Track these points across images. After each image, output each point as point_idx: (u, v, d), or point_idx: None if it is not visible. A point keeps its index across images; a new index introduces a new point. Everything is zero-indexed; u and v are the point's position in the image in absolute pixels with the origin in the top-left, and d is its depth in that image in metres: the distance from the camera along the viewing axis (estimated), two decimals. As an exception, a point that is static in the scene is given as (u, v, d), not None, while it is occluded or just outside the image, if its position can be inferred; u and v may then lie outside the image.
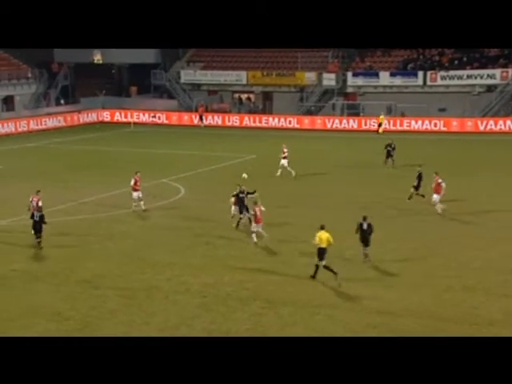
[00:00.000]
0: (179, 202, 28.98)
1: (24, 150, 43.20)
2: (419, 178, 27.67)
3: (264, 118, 54.16)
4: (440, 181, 26.01)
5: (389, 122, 50.37)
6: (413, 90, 52.73)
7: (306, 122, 52.85)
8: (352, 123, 51.62)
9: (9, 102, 54.02)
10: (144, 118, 55.77)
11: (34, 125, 51.23)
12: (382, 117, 49.86)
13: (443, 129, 49.82)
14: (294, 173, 33.23)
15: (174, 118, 55.66)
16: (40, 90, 55.92)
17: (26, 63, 56.12)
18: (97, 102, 57.72)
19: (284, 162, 33.67)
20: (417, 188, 27.60)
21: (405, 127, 50.68)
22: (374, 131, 49.33)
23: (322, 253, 19.35)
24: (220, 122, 54.44)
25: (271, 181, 33.08)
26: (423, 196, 27.48)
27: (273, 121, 53.72)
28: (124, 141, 47.40)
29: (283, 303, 17.93)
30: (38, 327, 16.29)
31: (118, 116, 56.43)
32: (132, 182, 26.77)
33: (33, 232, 22.55)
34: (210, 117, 54.83)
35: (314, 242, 19.41)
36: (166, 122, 55.35)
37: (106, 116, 56.61)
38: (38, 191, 23.47)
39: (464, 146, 44.21)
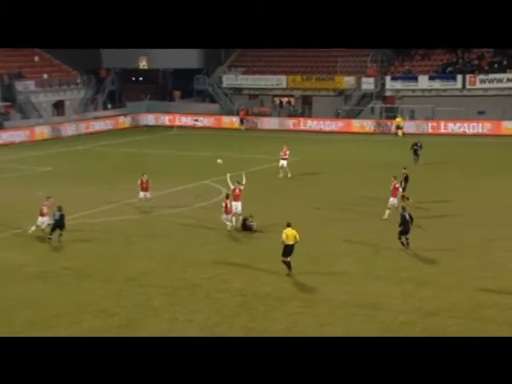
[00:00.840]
0: (220, 202, 29.13)
1: (72, 152, 44.03)
2: (405, 179, 27.61)
3: (303, 121, 54.13)
4: (397, 185, 25.88)
5: (426, 125, 49.82)
6: (451, 93, 52.01)
7: (344, 124, 52.62)
8: (391, 126, 51.19)
9: (59, 106, 55.13)
10: (187, 121, 56.27)
11: (82, 128, 52.16)
12: (399, 119, 49.65)
13: (481, 132, 49.04)
14: (290, 174, 34.20)
15: (216, 121, 56.00)
16: (88, 95, 56.90)
17: (75, 69, 57.18)
18: (142, 106, 58.46)
19: (283, 162, 34.43)
20: (403, 189, 27.44)
21: (442, 130, 50.07)
22: (394, 134, 49.10)
23: (288, 250, 19.69)
24: (260, 125, 54.57)
25: (308, 183, 33.08)
26: (408, 198, 27.18)
27: (312, 124, 53.67)
28: (167, 144, 47.90)
29: (320, 303, 17.92)
30: (85, 323, 16.62)
31: (162, 119, 57.04)
32: (138, 182, 27.54)
33: (54, 230, 23.09)
34: (250, 120, 55.01)
35: (282, 240, 19.71)
36: (207, 125, 55.73)
37: (150, 120, 57.29)
38: (49, 197, 23.85)
39: (501, 149, 43.48)
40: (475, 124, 49.52)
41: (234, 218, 24.37)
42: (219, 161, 27.92)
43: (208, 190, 32.02)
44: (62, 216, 23.09)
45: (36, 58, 56.42)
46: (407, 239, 21.92)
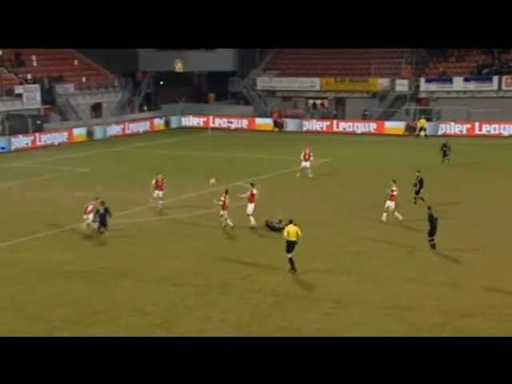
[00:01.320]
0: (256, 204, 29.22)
1: (109, 154, 44.63)
2: (420, 182, 27.41)
3: (337, 122, 53.96)
4: (394, 189, 25.66)
5: (461, 127, 49.21)
6: (487, 94, 51.30)
7: (378, 126, 52.30)
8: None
9: (97, 108, 55.93)
10: (221, 123, 56.56)
11: (118, 130, 52.83)
12: (422, 121, 49.21)
13: (517, 133, 48.32)
14: (311, 175, 34.82)
15: (250, 123, 56.18)
16: (125, 98, 57.60)
17: (113, 72, 57.96)
18: (177, 109, 58.95)
19: (306, 163, 35.00)
20: (418, 192, 27.34)
21: (477, 131, 49.43)
22: (417, 136, 48.64)
23: (290, 246, 20.04)
24: (293, 127, 54.58)
25: (338, 184, 32.98)
26: (422, 199, 26.99)
27: (345, 125, 53.48)
28: (202, 145, 48.21)
29: (353, 303, 17.89)
30: (121, 321, 16.87)
31: (197, 121, 57.44)
32: (153, 182, 27.99)
33: (99, 226, 24.11)
34: (284, 122, 55.03)
35: (283, 236, 20.21)
36: (241, 127, 55.94)
37: (185, 122, 57.74)
38: (97, 198, 24.30)
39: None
40: (511, 125, 48.75)
41: (251, 218, 25.00)
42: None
43: (241, 191, 32.12)
44: (106, 210, 24.07)
45: (75, 62, 57.34)
46: (432, 240, 21.81)
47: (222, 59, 61.13)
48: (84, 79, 55.41)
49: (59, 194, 30.74)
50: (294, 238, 20.08)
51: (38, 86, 50.69)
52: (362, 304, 17.82)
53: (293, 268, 20.21)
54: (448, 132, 49.34)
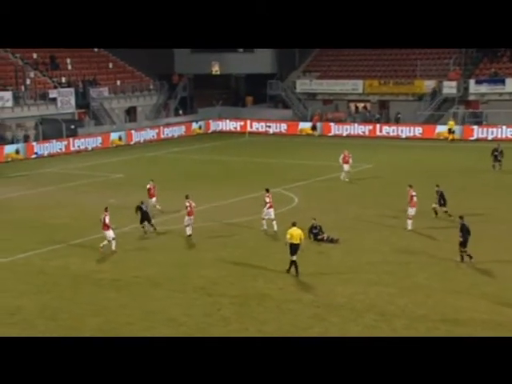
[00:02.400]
0: (292, 211, 29.12)
1: (144, 159, 45.02)
2: (441, 196, 26.95)
3: (380, 126, 53.51)
4: (413, 194, 25.43)
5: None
6: (542, 96, 50.32)
7: (424, 130, 51.66)
8: (476, 132, 49.96)
9: (131, 112, 56.54)
10: (259, 127, 56.60)
11: (153, 135, 53.30)
12: (451, 123, 48.41)
13: None
14: (347, 179, 35.07)
15: (289, 127, 56.08)
16: (160, 101, 58.11)
17: (148, 75, 58.55)
18: (213, 112, 59.22)
19: (346, 166, 35.10)
20: (444, 205, 26.90)
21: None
22: (446, 139, 47.97)
23: (293, 249, 20.49)
24: (335, 131, 54.29)
25: (382, 190, 32.64)
26: (446, 212, 26.77)
27: (389, 129, 52.98)
28: (239, 150, 48.31)
29: (397, 316, 17.59)
30: (154, 331, 16.88)
31: (234, 126, 57.59)
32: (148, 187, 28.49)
33: (143, 223, 25.18)
34: (324, 126, 54.80)
35: (286, 240, 20.65)
36: (280, 131, 55.88)
37: (222, 126, 57.95)
38: (106, 208, 23.94)
39: None
40: None
41: (274, 223, 25.37)
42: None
43: (280, 197, 32.04)
44: (147, 207, 25.37)
45: (110, 65, 58.11)
46: (465, 252, 21.38)
47: (260, 61, 61.27)
48: (118, 82, 56.09)
49: (93, 201, 31.04)
50: (297, 241, 20.55)
51: (72, 89, 51.51)
52: (406, 317, 17.52)
53: (296, 272, 20.56)
54: (499, 136, 48.46)
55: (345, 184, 34.94)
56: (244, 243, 24.61)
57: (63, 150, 46.96)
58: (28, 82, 50.37)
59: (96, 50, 57.58)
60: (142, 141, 51.88)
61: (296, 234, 20.67)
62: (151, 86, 58.27)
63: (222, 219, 27.78)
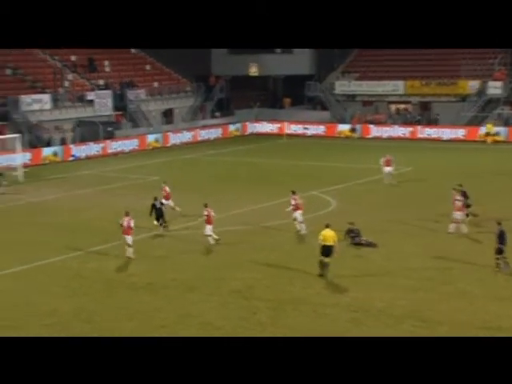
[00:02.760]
0: (329, 214, 29.00)
1: (180, 161, 45.32)
2: (464, 196, 26.43)
3: (421, 128, 52.95)
4: (458, 198, 25.10)
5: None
6: None
7: (467, 132, 50.95)
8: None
9: (168, 114, 57.01)
10: (297, 129, 56.52)
11: (190, 137, 53.64)
12: (489, 125, 47.49)
13: None
14: (389, 182, 34.87)
15: (327, 129, 55.88)
16: (197, 103, 58.46)
17: (185, 77, 58.98)
18: (251, 114, 59.34)
19: (389, 169, 34.97)
20: (468, 206, 26.40)
21: None
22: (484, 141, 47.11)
23: (326, 250, 20.47)
24: (374, 133, 53.90)
25: (422, 194, 32.24)
26: (469, 214, 26.35)
27: (431, 131, 52.37)
28: (276, 152, 48.29)
29: (438, 322, 17.35)
30: (188, 335, 16.94)
31: (271, 128, 57.60)
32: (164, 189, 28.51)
33: (159, 220, 25.72)
34: (364, 128, 54.47)
35: (318, 242, 20.61)
36: (318, 133, 55.70)
37: (259, 128, 58.02)
38: (127, 212, 23.65)
39: None
40: None
41: (302, 225, 25.62)
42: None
43: (317, 201, 31.94)
44: (161, 204, 25.72)
45: (148, 67, 58.71)
46: (504, 258, 20.89)
47: (298, 62, 61.23)
48: (156, 84, 56.61)
49: (129, 203, 31.28)
50: (330, 243, 20.50)
51: (109, 91, 52.16)
52: (448, 323, 17.27)
53: (322, 274, 20.51)
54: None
55: (384, 187, 34.66)
56: (280, 246, 24.58)
57: (100, 152, 47.55)
58: (66, 84, 51.18)
59: (134, 51, 58.25)
60: (178, 143, 52.24)
61: (329, 235, 20.65)
62: (188, 88, 58.67)
63: (258, 222, 27.77)
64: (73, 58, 53.91)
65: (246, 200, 31.51)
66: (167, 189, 28.75)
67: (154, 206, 26.17)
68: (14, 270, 22.27)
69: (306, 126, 56.41)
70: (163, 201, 27.38)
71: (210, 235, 24.40)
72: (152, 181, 38.16)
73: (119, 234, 25.88)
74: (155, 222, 26.13)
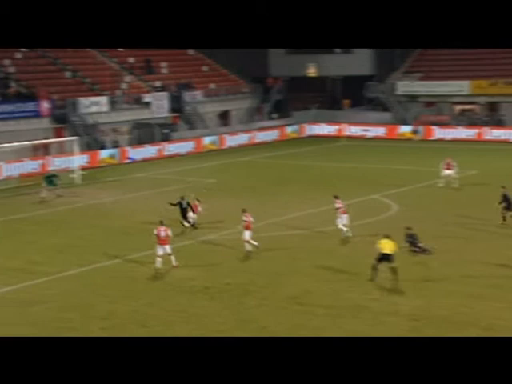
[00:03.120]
0: (388, 218, 28.80)
1: (237, 164, 45.66)
2: (504, 199, 26.56)
3: (489, 130, 51.91)
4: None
5: None
6: None
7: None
8: None
9: (225, 116, 57.49)
10: (355, 131, 56.21)
11: (246, 139, 53.97)
12: None
13: None
14: (457, 184, 34.45)
15: (388, 131, 55.39)
16: (254, 105, 58.77)
17: (242, 78, 59.40)
18: (308, 116, 59.30)
19: (449, 172, 34.67)
20: (510, 208, 26.53)
21: None
22: None
23: (384, 257, 20.59)
24: (437, 135, 53.15)
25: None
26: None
27: (499, 133, 51.32)
28: (334, 155, 48.15)
29: (503, 332, 17.03)
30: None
31: (329, 130, 57.43)
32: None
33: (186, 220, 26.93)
34: (426, 130, 53.76)
35: (377, 250, 20.73)
36: (378, 135, 55.27)
37: (317, 130, 57.93)
38: (162, 221, 23.20)
39: None
40: None
41: (345, 229, 25.87)
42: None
43: (376, 205, 31.74)
44: (188, 204, 26.78)
45: (205, 68, 59.37)
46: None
47: (358, 62, 60.90)
48: (212, 86, 57.18)
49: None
50: (390, 252, 20.60)
51: (166, 93, 52.98)
52: (514, 334, 16.94)
53: (373, 277, 20.83)
54: None
55: (447, 191, 34.17)
56: (337, 251, 24.54)
57: (156, 154, 48.31)
58: (123, 86, 52.22)
59: (191, 52, 58.98)
60: (234, 145, 52.62)
61: (389, 245, 20.76)
62: (245, 90, 59.03)
63: (315, 227, 27.76)
64: (130, 59, 54.95)
65: (302, 204, 31.53)
66: (196, 203, 28.66)
67: (180, 204, 27.08)
68: (72, 273, 22.88)
69: (365, 128, 56.05)
70: (190, 214, 27.62)
71: (249, 241, 24.32)
72: (208, 183, 38.60)
73: (174, 238, 26.20)
74: (186, 224, 27.02)
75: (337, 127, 56.87)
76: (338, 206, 26.06)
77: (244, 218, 24.36)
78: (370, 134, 55.52)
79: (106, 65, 54.03)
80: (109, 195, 35.70)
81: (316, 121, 58.51)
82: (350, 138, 54.64)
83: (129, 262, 24.03)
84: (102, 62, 54.11)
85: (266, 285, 21.28)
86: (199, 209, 28.13)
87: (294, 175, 40.55)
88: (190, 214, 27.62)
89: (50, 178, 34.37)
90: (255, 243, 24.37)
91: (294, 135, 56.95)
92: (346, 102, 64.11)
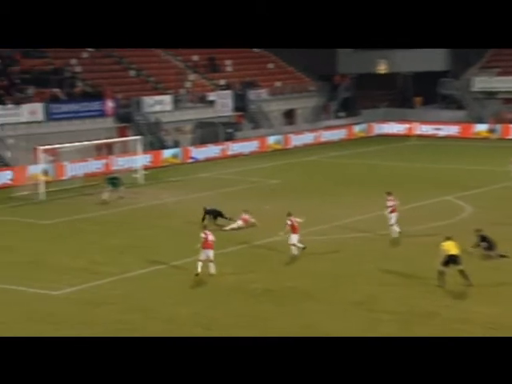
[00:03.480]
0: (461, 221, 28.21)
1: (302, 164, 45.56)
2: None
3: None
4: None
5: None
6: None
7: None
8: None
9: (290, 115, 57.46)
10: (427, 130, 55.31)
11: (312, 138, 53.79)
12: None
13: None
14: None
15: (463, 129, 54.27)
16: (321, 103, 58.55)
17: (308, 76, 59.25)
18: (377, 114, 58.70)
19: None
20: None
21: None
22: None
23: (451, 259, 20.32)
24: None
25: None
26: None
27: None
28: (404, 155, 47.52)
29: None
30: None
31: (399, 128, 56.70)
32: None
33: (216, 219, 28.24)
34: (504, 128, 52.41)
35: (443, 253, 20.45)
36: (451, 134, 54.24)
37: (386, 128, 57.28)
38: (205, 226, 23.97)
39: None
40: None
41: (394, 227, 25.89)
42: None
43: (449, 207, 31.14)
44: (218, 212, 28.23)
45: (270, 66, 59.50)
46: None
47: (431, 58, 59.81)
48: (278, 84, 57.25)
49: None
50: (456, 252, 20.38)
51: (230, 92, 53.34)
52: None
53: (442, 282, 20.51)
54: None
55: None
56: (404, 254, 24.22)
57: (219, 154, 48.67)
58: (187, 84, 52.85)
59: (256, 50, 59.18)
60: (300, 145, 52.53)
61: (453, 246, 20.59)
62: (311, 87, 58.86)
63: (379, 229, 27.41)
64: (195, 57, 55.57)
65: (367, 205, 31.15)
66: (246, 217, 28.67)
67: (210, 212, 28.67)
68: (133, 274, 23.27)
69: (437, 127, 55.09)
70: (239, 222, 28.29)
71: (295, 244, 24.11)
72: (272, 184, 38.67)
73: (236, 239, 26.34)
74: (227, 228, 27.75)
75: (407, 126, 56.10)
76: (390, 203, 25.93)
77: (288, 222, 24.18)
78: (442, 133, 54.54)
79: (170, 63, 54.80)
80: (171, 195, 36.16)
81: (385, 119, 57.86)
82: (420, 137, 53.82)
83: (191, 263, 24.23)
84: (167, 60, 54.90)
85: (329, 289, 21.17)
86: (251, 220, 28.39)
87: (361, 176, 40.19)
88: (239, 223, 28.43)
89: (113, 180, 35.00)
90: (301, 245, 24.24)
91: (362, 134, 56.46)
92: (418, 99, 63.13)
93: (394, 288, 20.95)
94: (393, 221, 25.82)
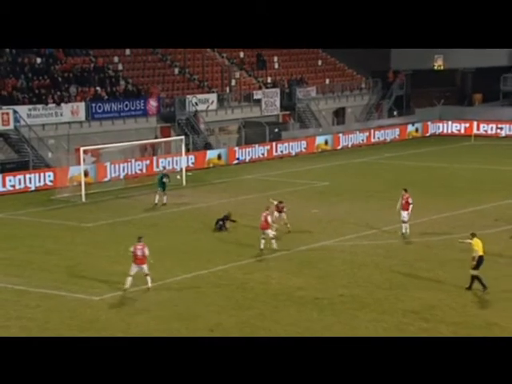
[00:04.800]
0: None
1: (352, 165, 45.29)
2: None
3: None
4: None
5: None
6: None
7: None
8: None
9: (340, 114, 57.17)
10: (487, 129, 54.45)
11: (363, 138, 53.41)
12: None
13: None
14: None
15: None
16: (373, 101, 58.15)
17: (360, 73, 58.89)
18: (433, 113, 57.99)
19: None
20: None
21: None
22: None
23: (481, 261, 20.46)
24: None
25: None
26: None
27: None
28: (461, 156, 46.87)
29: None
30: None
31: (457, 127, 55.94)
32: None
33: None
34: None
35: (474, 254, 20.56)
36: (514, 134, 53.37)
37: (442, 128, 56.58)
38: (140, 238, 22.40)
39: None
40: None
41: (403, 225, 26.80)
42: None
43: (509, 211, 30.59)
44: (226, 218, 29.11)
45: (319, 62, 59.33)
46: None
47: (492, 53, 58.67)
48: (327, 81, 57.04)
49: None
50: (483, 253, 20.53)
51: (277, 90, 53.32)
52: None
53: (484, 286, 20.74)
54: None
55: None
56: (465, 262, 23.75)
57: (265, 155, 48.64)
58: (233, 82, 53.01)
59: (305, 46, 58.99)
60: (349, 145, 52.21)
61: (481, 245, 20.72)
62: (363, 85, 58.48)
63: (438, 234, 27.10)
64: (241, 54, 55.69)
65: (423, 209, 30.76)
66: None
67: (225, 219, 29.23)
68: (176, 279, 23.38)
69: (499, 126, 54.19)
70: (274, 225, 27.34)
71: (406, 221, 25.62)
72: (320, 186, 38.51)
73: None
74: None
75: (465, 125, 55.31)
76: (410, 200, 26.62)
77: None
78: (504, 133, 53.63)
79: (215, 60, 55.01)
80: (216, 198, 36.28)
81: (442, 118, 57.13)
82: (479, 136, 53.02)
83: (236, 268, 24.28)
84: (212, 57, 55.12)
85: (383, 297, 20.99)
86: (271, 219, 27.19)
87: (415, 178, 39.71)
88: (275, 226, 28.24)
89: (162, 180, 34.94)
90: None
91: (416, 134, 55.88)
92: (478, 96, 62.21)
93: (451, 297, 20.70)
94: (406, 218, 26.56)
